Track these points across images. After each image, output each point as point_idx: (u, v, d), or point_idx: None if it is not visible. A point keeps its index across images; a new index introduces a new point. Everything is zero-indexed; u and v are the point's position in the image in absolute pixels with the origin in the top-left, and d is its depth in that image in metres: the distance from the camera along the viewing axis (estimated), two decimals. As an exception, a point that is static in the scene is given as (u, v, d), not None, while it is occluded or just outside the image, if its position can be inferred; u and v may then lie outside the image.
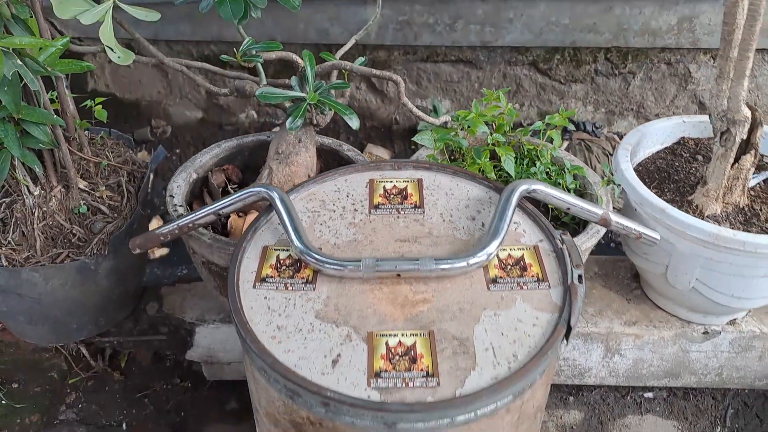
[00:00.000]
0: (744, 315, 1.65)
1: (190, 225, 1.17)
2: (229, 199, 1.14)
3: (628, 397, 1.77)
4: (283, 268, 1.04)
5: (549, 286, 1.00)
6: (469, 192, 1.18)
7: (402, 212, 1.14)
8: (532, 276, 1.02)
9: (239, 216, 1.45)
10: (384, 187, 1.18)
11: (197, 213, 1.16)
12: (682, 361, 1.69)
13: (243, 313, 0.96)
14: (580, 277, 1.00)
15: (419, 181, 1.19)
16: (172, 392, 1.74)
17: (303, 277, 1.02)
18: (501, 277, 1.02)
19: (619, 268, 1.75)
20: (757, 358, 1.67)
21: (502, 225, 1.05)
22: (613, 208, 1.47)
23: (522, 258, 1.05)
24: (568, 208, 1.16)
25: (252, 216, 1.44)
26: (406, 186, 1.19)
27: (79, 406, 1.69)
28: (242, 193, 1.14)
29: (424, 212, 1.14)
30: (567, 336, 0.94)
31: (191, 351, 1.65)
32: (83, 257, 1.41)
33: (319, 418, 0.91)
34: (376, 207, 1.15)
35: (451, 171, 1.21)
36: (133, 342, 1.65)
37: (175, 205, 1.40)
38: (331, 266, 1.00)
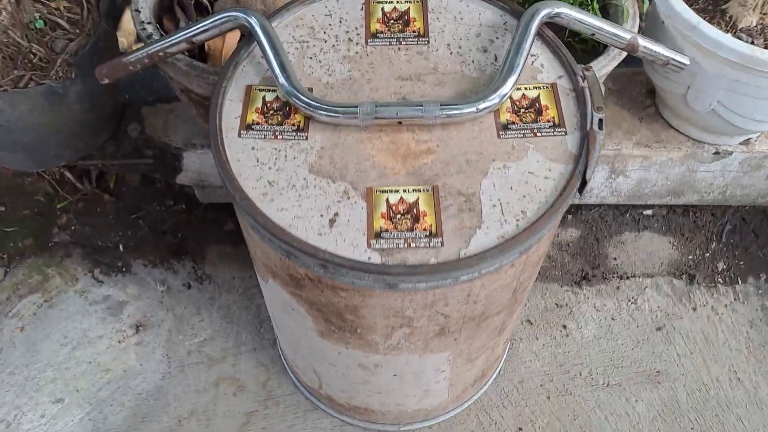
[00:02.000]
0: (758, 136, 1.57)
1: (161, 54, 1.03)
2: (200, 25, 0.99)
3: (627, 215, 1.75)
4: (271, 112, 0.93)
5: (565, 133, 0.91)
6: (481, 16, 1.03)
7: (403, 43, 1.00)
8: (548, 121, 0.92)
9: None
10: (383, 9, 1.03)
11: (166, 40, 1.02)
12: (688, 180, 1.64)
13: (229, 167, 0.87)
14: (600, 122, 0.90)
15: (423, 2, 1.03)
16: (166, 214, 1.71)
17: (293, 124, 0.92)
18: (513, 123, 0.92)
19: (635, 83, 1.63)
20: (764, 177, 1.63)
21: (518, 60, 0.93)
22: (640, 24, 1.32)
23: (538, 99, 0.94)
24: (593, 34, 1.02)
25: (233, 38, 1.28)
26: (408, 8, 1.03)
27: (72, 228, 1.67)
28: (215, 18, 0.98)
29: (428, 42, 1.00)
30: (581, 189, 0.87)
31: (181, 175, 1.58)
32: (48, 81, 1.28)
33: (317, 275, 0.86)
34: (374, 36, 1.00)
35: (461, -12, 1.05)
36: (118, 166, 1.58)
37: (143, 22, 1.24)
38: (325, 113, 0.89)
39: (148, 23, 1.23)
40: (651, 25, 1.38)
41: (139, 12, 1.25)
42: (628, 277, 1.66)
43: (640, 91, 1.63)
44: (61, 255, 1.62)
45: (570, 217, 1.75)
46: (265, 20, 0.97)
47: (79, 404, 1.41)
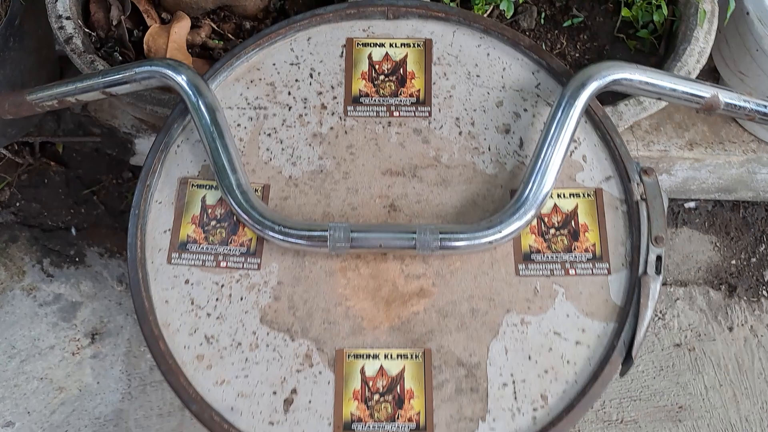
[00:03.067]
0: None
1: (73, 100, 0.78)
2: (116, 75, 0.72)
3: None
4: (213, 224, 0.69)
5: (608, 271, 0.67)
6: (506, 72, 0.74)
7: (396, 114, 0.73)
8: (586, 250, 0.68)
9: (162, 25, 0.99)
10: (370, 57, 0.74)
11: (77, 85, 0.75)
12: (744, 180, 1.39)
13: (154, 316, 0.65)
14: (659, 261, 0.66)
15: (427, 46, 0.75)
16: (124, 188, 1.48)
17: (243, 244, 0.68)
18: (538, 252, 0.68)
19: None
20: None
21: (555, 155, 0.66)
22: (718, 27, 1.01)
23: (574, 214, 0.69)
24: (660, 97, 0.74)
25: (180, 33, 0.98)
26: (405, 56, 0.74)
27: (17, 205, 1.45)
28: (132, 69, 0.71)
29: (430, 114, 0.73)
30: (624, 370, 0.65)
31: (135, 158, 1.35)
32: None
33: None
34: (357, 100, 0.73)
35: (481, 26, 0.75)
36: (62, 143, 1.34)
37: (60, 16, 0.94)
38: (281, 237, 0.65)
39: (67, 18, 0.94)
40: (733, 28, 1.07)
41: (56, 1, 0.94)
42: (656, 288, 1.45)
43: (701, 69, 1.32)
44: (5, 240, 1.42)
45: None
46: (201, 80, 0.70)
47: (30, 429, 1.29)
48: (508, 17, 0.95)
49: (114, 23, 0.98)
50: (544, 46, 1.00)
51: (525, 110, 0.73)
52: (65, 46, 0.91)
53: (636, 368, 1.39)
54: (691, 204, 1.56)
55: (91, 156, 1.49)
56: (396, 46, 0.75)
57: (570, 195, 0.70)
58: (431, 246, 0.65)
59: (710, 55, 1.07)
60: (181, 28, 0.99)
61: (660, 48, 1.00)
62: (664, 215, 0.67)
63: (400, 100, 0.73)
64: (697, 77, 0.98)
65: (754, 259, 1.51)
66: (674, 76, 0.72)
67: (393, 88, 0.73)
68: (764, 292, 1.48)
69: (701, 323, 1.45)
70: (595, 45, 1.01)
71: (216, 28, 1.05)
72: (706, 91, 0.74)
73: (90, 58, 0.90)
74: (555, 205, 0.69)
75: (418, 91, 0.73)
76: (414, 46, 0.75)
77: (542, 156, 0.67)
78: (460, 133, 0.72)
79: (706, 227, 1.53)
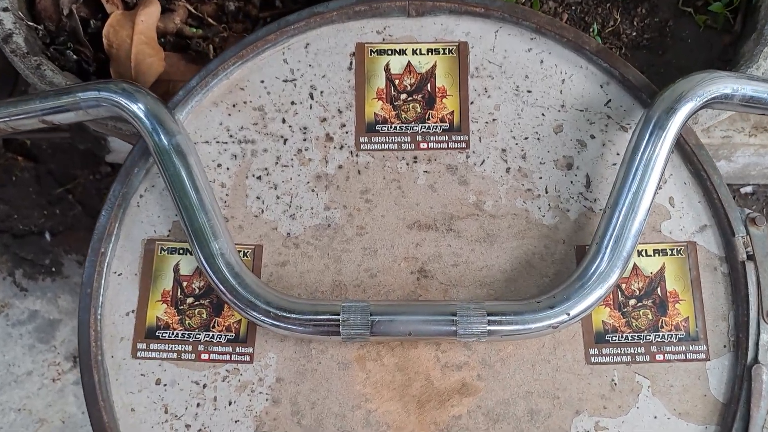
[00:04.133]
0: None
1: (8, 129, 0.61)
2: (57, 101, 0.55)
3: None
4: (190, 300, 0.53)
5: (706, 354, 0.51)
6: (565, 84, 0.56)
7: (425, 144, 0.56)
8: (677, 327, 0.52)
9: (125, 12, 0.81)
10: (388, 69, 0.57)
11: (9, 108, 0.58)
12: (811, 166, 1.22)
13: (117, 431, 0.50)
14: (774, 344, 0.50)
15: (461, 52, 0.57)
16: (102, 185, 1.31)
17: (230, 328, 0.52)
18: (615, 331, 0.52)
19: None
20: None
21: (639, 201, 0.50)
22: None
23: (661, 277, 0.53)
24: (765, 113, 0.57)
25: (149, 22, 0.80)
26: (434, 67, 0.57)
27: (-18, 204, 1.29)
28: (73, 93, 0.54)
29: (468, 145, 0.55)
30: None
31: (110, 155, 1.18)
32: None
33: None
34: (373, 129, 0.56)
35: (533, 24, 0.57)
36: (30, 139, 1.17)
37: None
38: (280, 325, 0.50)
39: (4, 9, 0.75)
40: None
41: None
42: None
43: None
44: (-25, 247, 1.27)
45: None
46: (164, 110, 0.52)
47: (12, 467, 1.16)
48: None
49: (65, 12, 0.79)
50: (594, 23, 0.82)
51: (592, 137, 0.55)
52: (3, 47, 0.73)
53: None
54: (748, 189, 1.39)
55: (63, 148, 1.32)
56: (421, 52, 0.57)
57: (654, 252, 0.53)
58: (476, 332, 0.49)
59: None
60: (149, 15, 0.80)
61: (735, 24, 0.82)
62: (780, 279, 0.51)
63: (429, 127, 0.56)
64: None
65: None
66: None
67: (419, 110, 0.56)
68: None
69: None
70: (655, 21, 0.83)
71: (193, 10, 0.86)
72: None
73: (35, 61, 0.72)
74: (635, 265, 0.53)
75: (452, 113, 0.56)
76: (445, 52, 0.57)
77: (622, 202, 0.50)
78: (507, 170, 0.55)
79: (765, 214, 1.37)
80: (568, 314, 0.49)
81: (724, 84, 0.52)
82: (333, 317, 0.49)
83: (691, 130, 0.54)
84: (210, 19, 0.86)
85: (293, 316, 0.49)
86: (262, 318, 0.49)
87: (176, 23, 0.85)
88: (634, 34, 0.83)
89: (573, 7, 0.83)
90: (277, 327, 0.49)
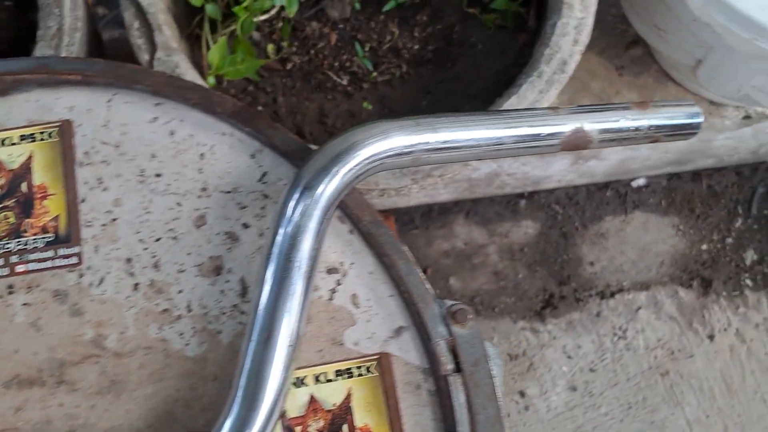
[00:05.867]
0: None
1: None
2: None
3: (608, 191, 1.19)
4: None
5: None
6: (205, 159, 0.41)
7: (22, 266, 0.41)
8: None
9: None
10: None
11: None
12: (699, 149, 1.07)
13: None
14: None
15: (64, 133, 0.42)
16: None
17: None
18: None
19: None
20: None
21: (288, 303, 0.35)
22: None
23: (346, 409, 0.38)
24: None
25: None
26: (29, 159, 0.42)
27: None
28: None
29: (81, 259, 0.41)
30: None
31: None
32: None
33: None
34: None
35: (150, 87, 0.41)
36: None
37: None
38: None
39: None
40: None
41: None
42: (612, 294, 1.15)
43: (616, 16, 0.98)
44: None
45: (523, 203, 1.20)
46: None
47: None
48: (291, 15, 0.62)
49: None
50: (368, 41, 0.67)
51: (245, 226, 0.41)
52: None
53: (597, 410, 1.12)
54: (641, 181, 1.25)
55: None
56: (12, 142, 0.42)
57: (335, 374, 0.38)
58: None
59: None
60: None
61: (529, 20, 0.67)
62: (495, 396, 0.37)
63: (27, 243, 0.41)
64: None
65: (729, 239, 1.21)
66: (483, 117, 0.40)
67: (12, 221, 0.41)
68: (747, 282, 1.18)
69: (673, 336, 1.16)
70: (438, 28, 0.68)
71: None
72: (557, 124, 0.42)
73: None
74: (312, 397, 0.38)
75: (56, 219, 0.41)
76: (43, 137, 0.42)
77: (262, 309, 0.35)
78: (135, 287, 0.40)
79: (664, 207, 1.22)
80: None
81: (388, 136, 0.38)
82: None
83: (365, 203, 0.40)
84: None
85: None
86: None
87: None
88: (417, 47, 0.68)
89: (341, 25, 0.68)
90: None
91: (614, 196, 1.25)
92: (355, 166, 0.37)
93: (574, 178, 1.14)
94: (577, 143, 0.45)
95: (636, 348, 1.15)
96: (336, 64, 0.66)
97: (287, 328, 0.35)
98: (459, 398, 0.37)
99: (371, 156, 0.37)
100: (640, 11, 0.74)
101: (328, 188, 0.36)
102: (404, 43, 0.68)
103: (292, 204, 0.36)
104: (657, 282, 1.19)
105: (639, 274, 1.20)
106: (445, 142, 0.38)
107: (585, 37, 0.59)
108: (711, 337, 1.17)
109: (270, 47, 0.66)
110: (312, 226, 0.36)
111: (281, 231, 0.36)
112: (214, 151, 0.41)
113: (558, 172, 1.10)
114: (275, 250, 0.36)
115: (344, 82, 0.66)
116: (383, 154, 0.38)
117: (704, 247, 1.21)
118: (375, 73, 0.66)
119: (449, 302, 0.38)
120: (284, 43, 0.66)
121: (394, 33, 0.68)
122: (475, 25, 0.68)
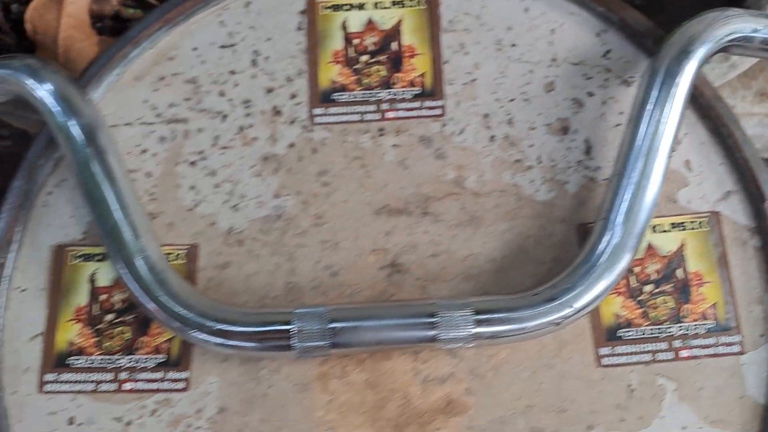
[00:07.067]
0: None
1: None
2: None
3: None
4: (109, 317, 0.43)
5: (741, 347, 0.42)
6: (556, 34, 0.47)
7: (392, 113, 0.46)
8: (704, 316, 0.43)
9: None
10: (345, 26, 0.48)
11: None
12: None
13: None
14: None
15: (431, 2, 0.48)
16: None
17: (157, 350, 0.43)
18: (630, 325, 0.43)
19: None
20: None
21: (652, 166, 0.41)
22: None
23: (680, 256, 0.44)
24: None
25: (79, 4, 0.70)
26: (399, 22, 0.48)
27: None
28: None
29: (444, 111, 0.46)
30: None
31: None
32: None
33: None
34: (329, 98, 0.47)
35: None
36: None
37: None
38: (219, 342, 0.40)
39: None
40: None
41: None
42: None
43: None
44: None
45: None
46: (73, 88, 0.43)
47: None
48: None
49: (-19, -4, 0.70)
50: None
51: (590, 94, 0.46)
52: None
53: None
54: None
55: (7, 157, 1.22)
56: (384, 6, 0.48)
57: (671, 226, 0.44)
58: (461, 335, 0.40)
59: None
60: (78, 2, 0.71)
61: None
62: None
63: (396, 93, 0.46)
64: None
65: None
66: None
67: (384, 74, 0.47)
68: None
69: None
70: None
71: (132, -11, 0.77)
72: None
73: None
74: (649, 244, 0.44)
75: (423, 76, 0.47)
76: (412, 4, 0.48)
77: (631, 168, 0.41)
78: (491, 139, 0.46)
79: None
80: (573, 307, 0.40)
81: (742, 24, 0.44)
82: (283, 327, 0.39)
83: (705, 80, 0.46)
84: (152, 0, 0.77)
85: (235, 329, 0.40)
86: (197, 333, 0.40)
87: (113, 4, 0.75)
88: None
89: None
90: (217, 345, 0.40)
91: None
92: (708, 50, 0.43)
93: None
94: None
95: None
96: None
97: (657, 177, 0.41)
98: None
99: (722, 41, 0.43)
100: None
101: (686, 73, 0.42)
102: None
103: (654, 88, 0.42)
104: None
105: None
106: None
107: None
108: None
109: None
110: (675, 112, 0.41)
111: (646, 109, 0.41)
112: (564, 28, 0.47)
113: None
114: (641, 123, 0.41)
115: None
116: (731, 40, 0.44)
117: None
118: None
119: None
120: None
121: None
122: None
